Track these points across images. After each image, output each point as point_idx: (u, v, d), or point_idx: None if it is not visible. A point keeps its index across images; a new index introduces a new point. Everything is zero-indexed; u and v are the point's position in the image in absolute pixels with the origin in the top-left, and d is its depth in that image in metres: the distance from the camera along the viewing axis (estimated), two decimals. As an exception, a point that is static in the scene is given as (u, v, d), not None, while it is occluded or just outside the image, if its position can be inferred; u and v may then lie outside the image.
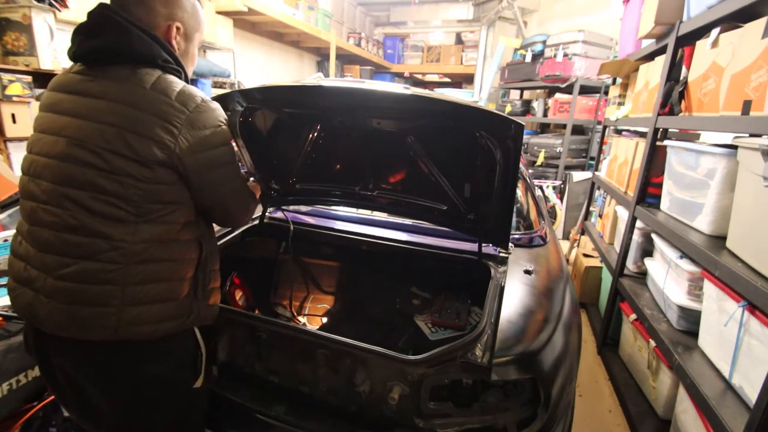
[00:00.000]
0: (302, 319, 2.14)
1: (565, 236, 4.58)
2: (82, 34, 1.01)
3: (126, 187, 0.95)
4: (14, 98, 2.33)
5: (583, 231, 3.86)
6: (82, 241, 0.96)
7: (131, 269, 0.98)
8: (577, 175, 4.58)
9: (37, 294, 0.99)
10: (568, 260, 3.82)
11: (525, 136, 5.15)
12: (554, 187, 4.77)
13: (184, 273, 1.07)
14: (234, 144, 1.30)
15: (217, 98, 1.27)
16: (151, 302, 1.01)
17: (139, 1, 1.03)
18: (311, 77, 1.71)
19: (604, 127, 3.75)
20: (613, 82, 3.70)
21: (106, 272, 0.96)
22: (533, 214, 2.18)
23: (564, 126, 4.85)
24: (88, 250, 0.96)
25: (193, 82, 3.78)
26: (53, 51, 2.50)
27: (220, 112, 1.08)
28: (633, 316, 2.21)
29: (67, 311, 0.96)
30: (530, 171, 3.95)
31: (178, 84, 1.01)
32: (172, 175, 1.00)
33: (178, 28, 1.08)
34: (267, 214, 2.01)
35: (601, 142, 3.89)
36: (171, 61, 1.05)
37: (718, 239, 1.61)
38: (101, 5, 1.01)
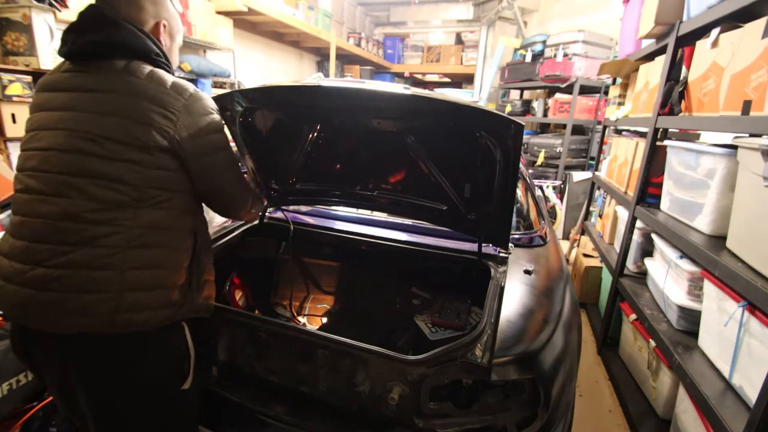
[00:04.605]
0: (302, 319, 2.14)
1: (565, 236, 4.58)
2: (74, 33, 1.03)
3: (127, 172, 0.98)
4: (14, 98, 2.33)
5: (583, 231, 3.86)
6: (81, 228, 0.96)
7: (130, 253, 0.99)
8: (577, 175, 4.58)
9: (22, 287, 0.96)
10: (568, 260, 3.82)
11: (525, 136, 5.15)
12: (554, 187, 4.77)
13: (180, 262, 1.09)
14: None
15: (217, 98, 1.29)
16: (149, 288, 1.02)
17: (129, 0, 1.07)
18: (311, 77, 1.71)
19: (604, 127, 3.75)
20: (613, 82, 3.70)
21: (105, 257, 0.97)
22: (533, 214, 2.18)
23: (564, 126, 4.86)
24: (87, 235, 0.96)
25: (194, 81, 3.79)
26: (53, 51, 2.50)
27: (211, 101, 1.14)
28: (633, 316, 2.21)
29: (61, 300, 0.95)
30: (530, 171, 3.95)
31: (170, 76, 1.07)
32: (172, 161, 1.03)
33: (164, 26, 1.14)
34: (267, 214, 2.01)
35: (601, 142, 3.89)
36: (161, 56, 1.10)
37: (718, 239, 1.61)
38: (92, 5, 1.05)
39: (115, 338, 1.00)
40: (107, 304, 0.97)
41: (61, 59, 1.08)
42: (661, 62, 2.21)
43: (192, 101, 1.05)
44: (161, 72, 1.05)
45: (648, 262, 2.23)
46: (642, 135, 2.73)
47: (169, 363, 1.11)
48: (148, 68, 1.04)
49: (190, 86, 1.08)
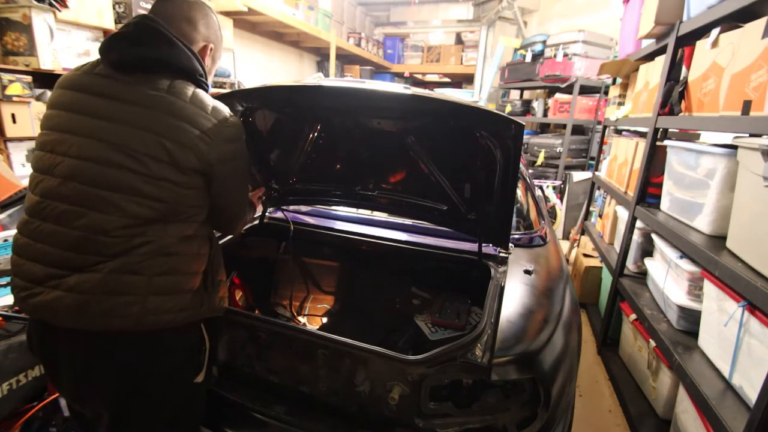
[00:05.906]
0: (302, 319, 2.14)
1: (565, 236, 4.58)
2: (126, 42, 1.04)
3: (162, 190, 1.01)
4: (14, 98, 2.33)
5: (583, 231, 3.86)
6: (117, 241, 0.99)
7: (157, 261, 1.02)
8: (577, 175, 4.58)
9: (55, 290, 0.99)
10: (568, 260, 3.82)
11: (525, 136, 5.15)
12: (554, 187, 4.78)
13: (198, 267, 1.13)
14: None
15: (217, 98, 1.28)
16: (171, 293, 1.05)
17: (187, 19, 1.12)
18: (311, 77, 1.71)
19: (604, 127, 3.75)
20: (613, 82, 3.70)
21: (136, 264, 1.00)
22: (533, 214, 2.18)
23: (564, 126, 4.86)
24: (122, 248, 0.99)
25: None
26: (53, 51, 2.50)
27: (242, 128, 1.17)
28: (633, 316, 2.21)
29: (90, 301, 0.97)
30: (530, 171, 3.96)
31: (210, 99, 1.10)
32: (201, 180, 1.07)
33: (211, 49, 1.20)
34: (267, 214, 2.00)
35: (601, 142, 3.89)
36: (204, 77, 1.15)
37: (718, 239, 1.61)
38: (146, 17, 1.07)
39: (140, 335, 1.04)
40: (132, 307, 1.00)
41: (84, 59, 1.09)
42: (661, 62, 2.21)
43: (227, 128, 1.09)
44: (202, 94, 1.09)
45: (648, 262, 2.23)
46: (642, 135, 2.73)
47: (185, 357, 1.15)
48: (191, 90, 1.07)
49: (226, 110, 1.11)
